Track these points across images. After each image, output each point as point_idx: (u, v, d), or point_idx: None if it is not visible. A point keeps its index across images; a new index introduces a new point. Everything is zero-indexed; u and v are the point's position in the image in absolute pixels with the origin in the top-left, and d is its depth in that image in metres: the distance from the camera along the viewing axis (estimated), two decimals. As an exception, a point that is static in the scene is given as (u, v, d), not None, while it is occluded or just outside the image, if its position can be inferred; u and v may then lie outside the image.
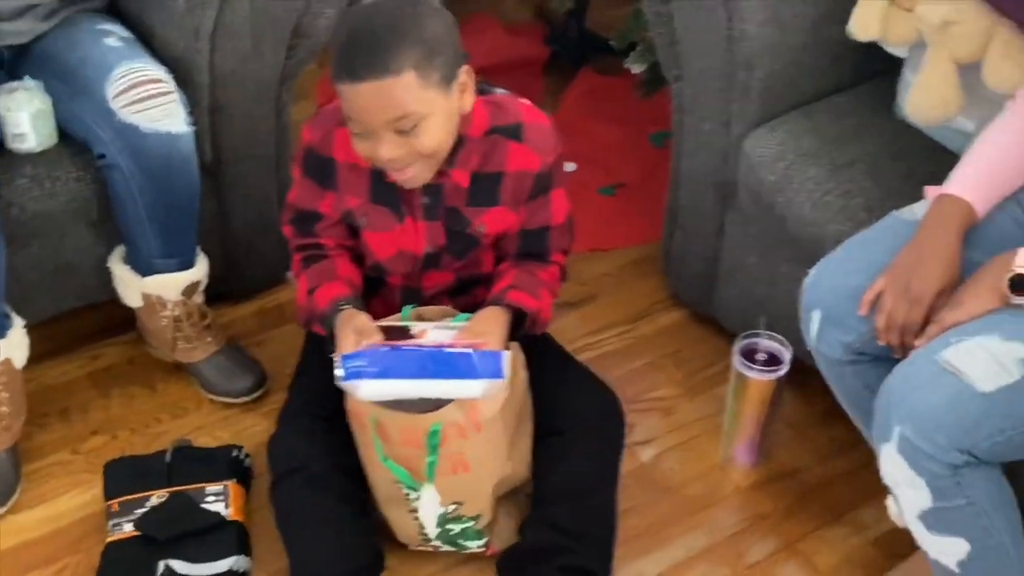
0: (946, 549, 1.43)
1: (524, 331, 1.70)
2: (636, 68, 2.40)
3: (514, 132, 1.63)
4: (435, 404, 1.61)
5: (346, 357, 1.58)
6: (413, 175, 1.54)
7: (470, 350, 1.61)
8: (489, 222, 1.67)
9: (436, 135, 1.51)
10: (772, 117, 1.84)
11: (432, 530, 1.68)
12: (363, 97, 1.45)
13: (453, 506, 1.65)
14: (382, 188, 1.63)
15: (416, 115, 1.47)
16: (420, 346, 1.66)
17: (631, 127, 2.54)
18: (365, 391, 1.58)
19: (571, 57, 2.78)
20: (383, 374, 1.57)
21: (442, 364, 1.60)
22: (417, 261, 1.69)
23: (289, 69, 1.92)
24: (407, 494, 1.65)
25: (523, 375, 1.71)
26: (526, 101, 1.69)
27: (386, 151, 1.48)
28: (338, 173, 1.64)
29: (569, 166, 2.22)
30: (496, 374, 1.59)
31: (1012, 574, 1.46)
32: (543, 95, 2.67)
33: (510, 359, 1.63)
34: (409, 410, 1.60)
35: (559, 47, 2.80)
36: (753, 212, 1.86)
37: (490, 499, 1.66)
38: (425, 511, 1.65)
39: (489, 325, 1.64)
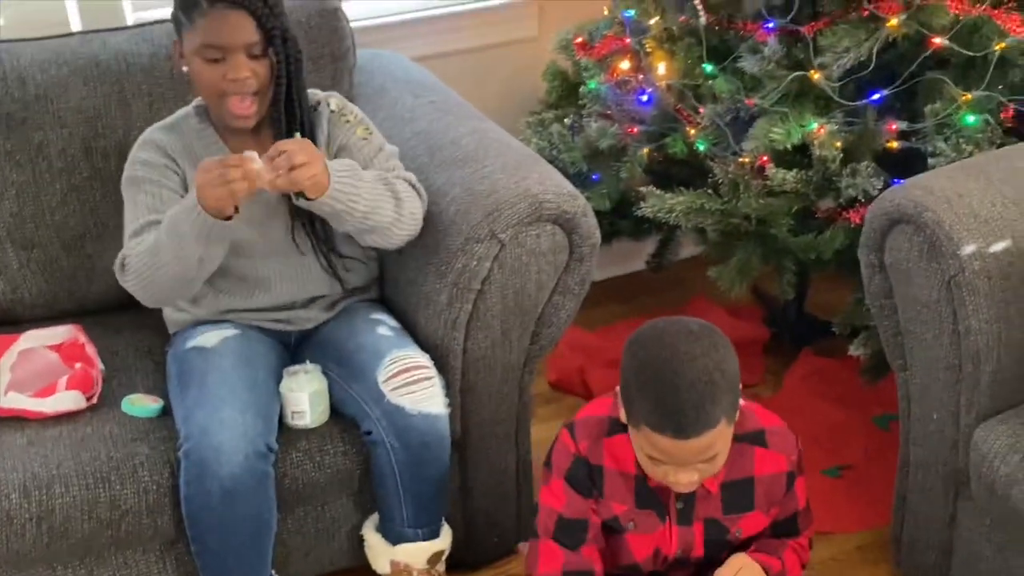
0: None
1: None
2: (859, 353, 2.37)
3: (757, 439, 1.66)
4: None
5: None
6: (694, 486, 1.58)
7: None
8: (745, 526, 1.69)
9: (725, 456, 1.57)
10: (1004, 408, 1.81)
11: None
12: (684, 449, 1.49)
13: None
14: (646, 492, 1.65)
15: (722, 451, 1.54)
16: None
17: (855, 409, 2.51)
18: None
19: (791, 338, 2.77)
20: None
21: None
22: (668, 560, 1.71)
23: (532, 353, 1.97)
24: None
25: None
26: (759, 406, 1.73)
27: (686, 477, 1.54)
28: (606, 480, 1.66)
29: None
30: None
31: None
32: (764, 375, 2.69)
33: None
34: None
35: (779, 328, 2.81)
36: (987, 503, 1.80)
37: None
38: None
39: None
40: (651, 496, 1.65)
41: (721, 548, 1.70)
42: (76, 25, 2.38)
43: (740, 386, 1.56)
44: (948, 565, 1.96)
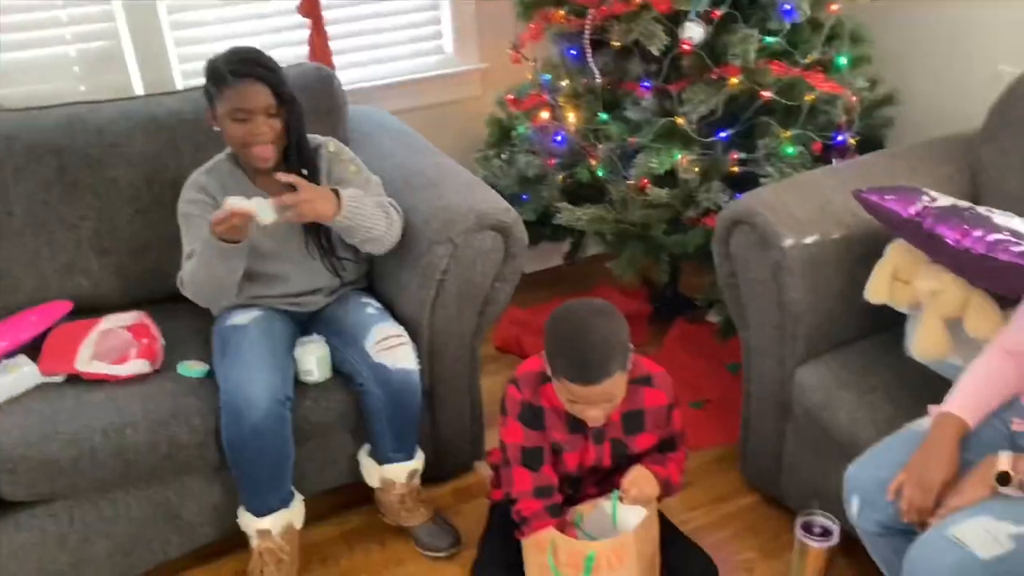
0: None
1: (663, 495, 1.70)
2: (715, 319, 2.44)
3: (646, 381, 1.68)
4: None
5: None
6: (601, 420, 1.59)
7: None
8: (639, 444, 1.70)
9: (621, 397, 1.59)
10: (815, 356, 1.83)
11: None
12: (590, 392, 1.52)
13: None
14: (573, 422, 1.65)
15: (619, 394, 1.57)
16: None
17: (712, 360, 2.52)
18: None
19: (668, 311, 2.76)
20: None
21: None
22: (587, 469, 1.72)
23: (480, 325, 1.97)
24: None
25: (655, 533, 1.71)
26: (646, 359, 1.71)
27: (593, 413, 1.56)
28: (546, 417, 1.67)
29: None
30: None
31: None
32: (649, 337, 2.67)
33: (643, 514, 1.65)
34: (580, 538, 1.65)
35: (659, 304, 2.80)
36: (805, 423, 1.84)
37: None
38: None
39: (646, 483, 1.66)
40: (576, 425, 1.66)
41: (623, 460, 1.71)
42: (139, 90, 2.37)
43: (631, 346, 1.57)
44: (779, 469, 1.98)
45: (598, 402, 1.55)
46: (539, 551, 1.65)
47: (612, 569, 1.61)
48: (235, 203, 1.66)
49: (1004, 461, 1.35)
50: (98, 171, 2.00)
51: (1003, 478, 1.34)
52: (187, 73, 2.41)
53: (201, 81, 1.78)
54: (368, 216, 1.80)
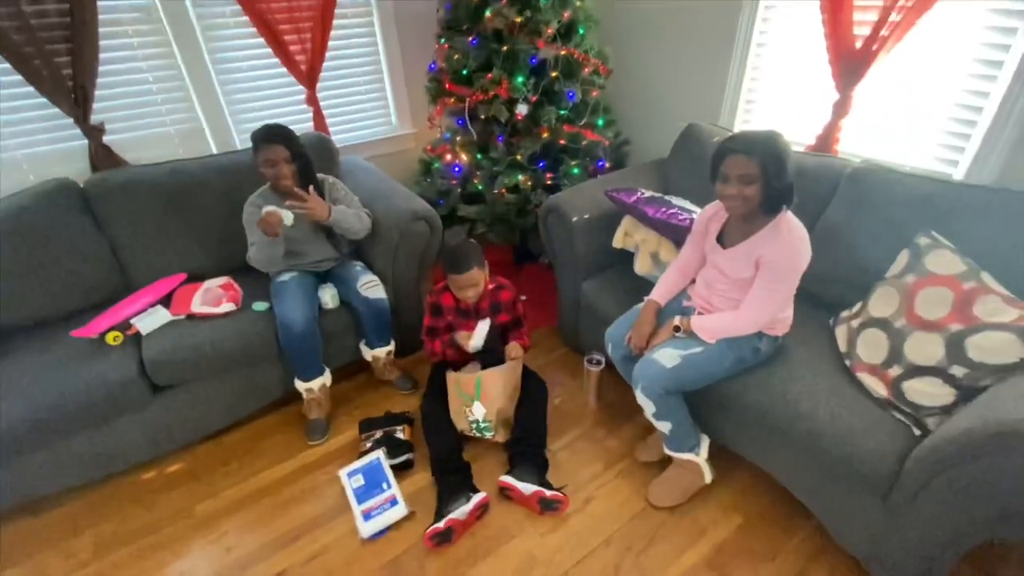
0: (663, 427, 1.41)
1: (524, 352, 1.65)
2: (546, 261, 2.47)
3: (503, 287, 1.67)
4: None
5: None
6: (473, 300, 1.58)
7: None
8: (501, 320, 1.66)
9: (483, 282, 1.57)
10: (590, 276, 1.83)
11: (477, 424, 1.60)
12: (464, 279, 1.51)
13: (483, 414, 1.59)
14: (460, 311, 1.64)
15: (480, 280, 1.55)
16: None
17: (545, 283, 2.40)
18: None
19: (520, 259, 2.59)
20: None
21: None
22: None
23: (421, 273, 1.91)
24: (466, 408, 1.59)
25: (518, 372, 1.66)
26: (507, 281, 1.68)
27: (467, 294, 1.56)
28: (444, 311, 1.65)
29: (523, 297, 2.07)
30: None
31: (687, 433, 1.43)
32: (511, 274, 2.55)
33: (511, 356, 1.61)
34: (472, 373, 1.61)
35: (516, 256, 2.60)
36: (588, 309, 1.83)
37: (496, 415, 1.59)
38: (475, 412, 1.59)
39: (516, 348, 1.63)
40: (462, 312, 1.63)
41: (495, 332, 1.66)
42: (214, 149, 2.20)
43: (484, 260, 1.53)
44: (577, 333, 1.95)
45: (467, 286, 1.52)
46: (452, 384, 1.64)
47: (491, 385, 1.59)
48: (269, 209, 1.62)
49: (677, 320, 1.42)
50: (190, 201, 1.90)
51: (676, 328, 1.42)
52: (243, 140, 2.26)
53: (248, 143, 1.69)
54: (348, 220, 1.74)
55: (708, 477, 1.46)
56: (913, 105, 1.58)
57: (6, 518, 1.55)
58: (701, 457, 1.45)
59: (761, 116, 1.97)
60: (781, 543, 1.41)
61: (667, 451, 1.45)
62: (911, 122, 1.59)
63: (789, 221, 1.29)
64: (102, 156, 1.87)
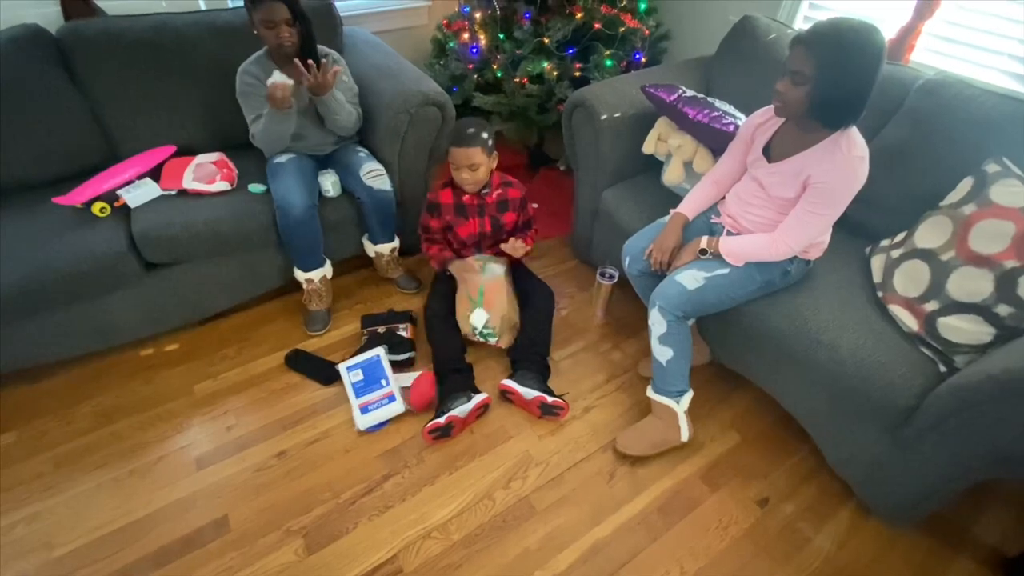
0: (663, 354, 1.36)
1: (525, 254, 1.63)
2: (563, 167, 2.41)
3: (511, 184, 1.64)
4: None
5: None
6: (472, 185, 1.54)
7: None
8: (507, 220, 1.65)
9: (485, 171, 1.53)
10: (612, 184, 1.78)
11: (478, 330, 1.61)
12: (464, 154, 1.47)
13: (487, 320, 1.59)
14: (461, 209, 1.61)
15: (481, 163, 1.49)
16: None
17: (561, 189, 2.43)
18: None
19: (536, 163, 2.63)
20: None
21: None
22: (475, 236, 1.66)
23: (430, 165, 1.85)
24: (470, 312, 1.59)
25: (510, 279, 1.68)
26: (517, 180, 1.65)
27: (465, 176, 1.50)
28: (442, 209, 1.63)
29: (535, 204, 2.16)
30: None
31: (681, 372, 1.37)
32: (525, 178, 2.52)
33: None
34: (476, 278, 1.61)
35: (532, 158, 2.65)
36: (605, 220, 1.79)
37: (500, 321, 1.60)
38: (476, 319, 1.60)
39: (516, 244, 1.59)
40: (462, 209, 1.61)
41: (498, 230, 1.64)
42: (202, 5, 1.99)
43: (496, 154, 1.50)
44: (590, 245, 1.94)
45: (464, 166, 1.47)
46: (462, 285, 1.64)
47: (494, 292, 1.60)
48: (273, 80, 1.50)
49: (704, 240, 1.37)
50: (182, 61, 1.74)
51: (703, 251, 1.37)
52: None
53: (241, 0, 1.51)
54: (340, 108, 1.65)
55: (685, 435, 1.41)
56: (1004, 14, 1.45)
57: (3, 383, 1.57)
58: (681, 408, 1.40)
59: (829, 15, 1.82)
60: (775, 464, 1.45)
61: (650, 393, 1.40)
62: (998, 35, 1.48)
63: (851, 138, 1.18)
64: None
